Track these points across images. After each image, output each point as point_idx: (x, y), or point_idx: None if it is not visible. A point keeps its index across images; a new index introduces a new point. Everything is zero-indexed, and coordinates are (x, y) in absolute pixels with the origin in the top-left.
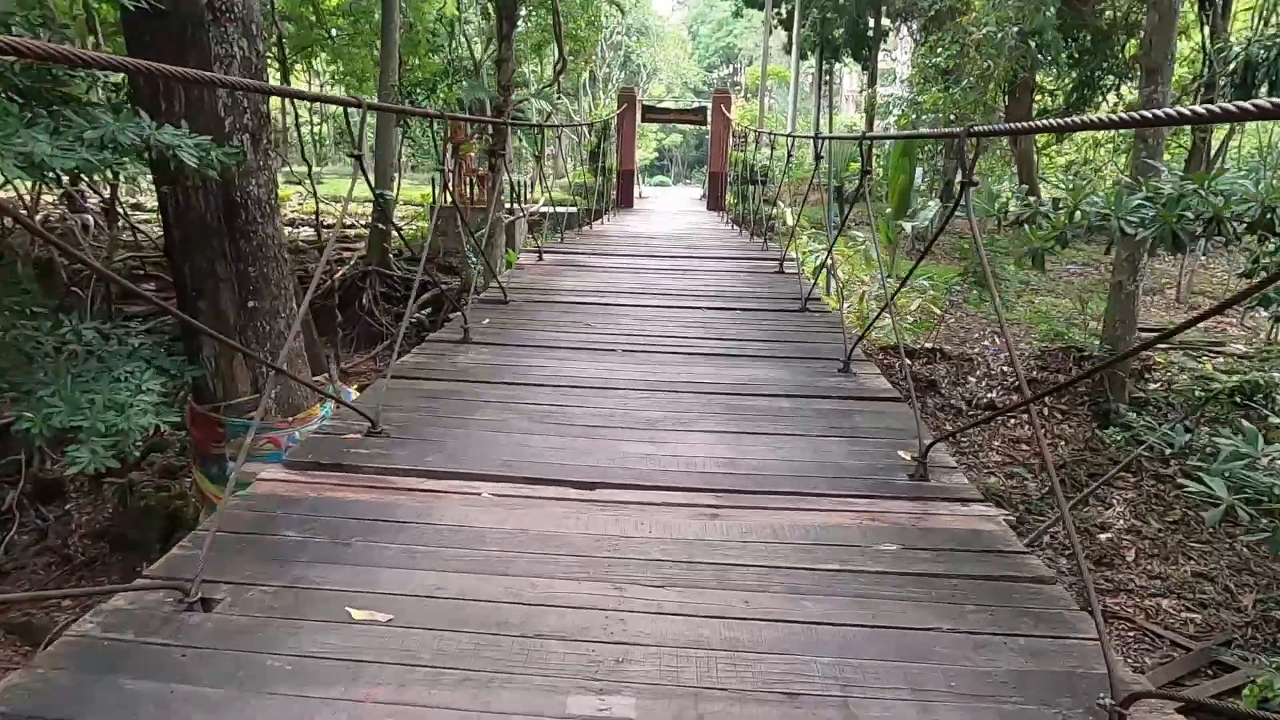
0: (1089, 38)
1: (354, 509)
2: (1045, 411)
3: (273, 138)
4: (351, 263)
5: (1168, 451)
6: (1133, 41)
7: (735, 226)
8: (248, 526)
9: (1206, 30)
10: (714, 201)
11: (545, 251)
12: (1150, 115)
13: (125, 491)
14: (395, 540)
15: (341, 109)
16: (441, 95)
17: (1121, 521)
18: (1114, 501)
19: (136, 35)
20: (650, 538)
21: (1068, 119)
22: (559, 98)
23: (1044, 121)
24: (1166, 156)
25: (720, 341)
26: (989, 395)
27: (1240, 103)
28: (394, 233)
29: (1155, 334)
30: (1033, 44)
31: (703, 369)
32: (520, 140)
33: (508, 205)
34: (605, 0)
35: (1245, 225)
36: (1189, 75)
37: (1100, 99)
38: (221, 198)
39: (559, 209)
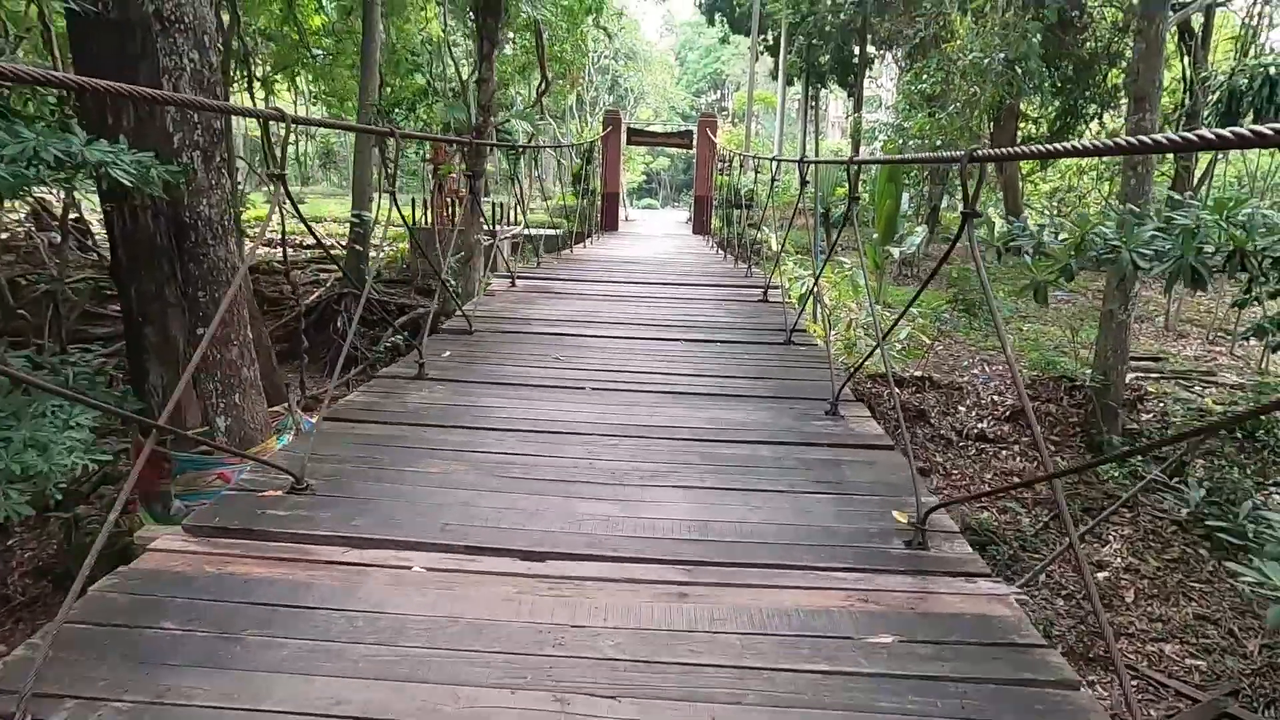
0: (1071, 67)
1: (257, 589)
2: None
3: (230, 155)
4: (328, 284)
5: (1184, 512)
6: (1114, 71)
7: (720, 251)
8: (118, 615)
9: (1187, 60)
10: (699, 225)
11: (519, 276)
12: (1153, 141)
13: (71, 527)
14: (299, 633)
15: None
16: (422, 116)
17: (1119, 559)
18: (1110, 537)
19: (84, 46)
20: (604, 628)
21: (1075, 144)
22: (542, 119)
23: (1048, 146)
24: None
25: (699, 378)
26: (979, 425)
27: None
28: (372, 254)
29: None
30: (1019, 70)
31: (678, 410)
32: (501, 162)
33: (487, 227)
34: (592, 25)
35: (1272, 260)
36: (1170, 104)
37: (1083, 127)
38: (171, 218)
39: (542, 231)
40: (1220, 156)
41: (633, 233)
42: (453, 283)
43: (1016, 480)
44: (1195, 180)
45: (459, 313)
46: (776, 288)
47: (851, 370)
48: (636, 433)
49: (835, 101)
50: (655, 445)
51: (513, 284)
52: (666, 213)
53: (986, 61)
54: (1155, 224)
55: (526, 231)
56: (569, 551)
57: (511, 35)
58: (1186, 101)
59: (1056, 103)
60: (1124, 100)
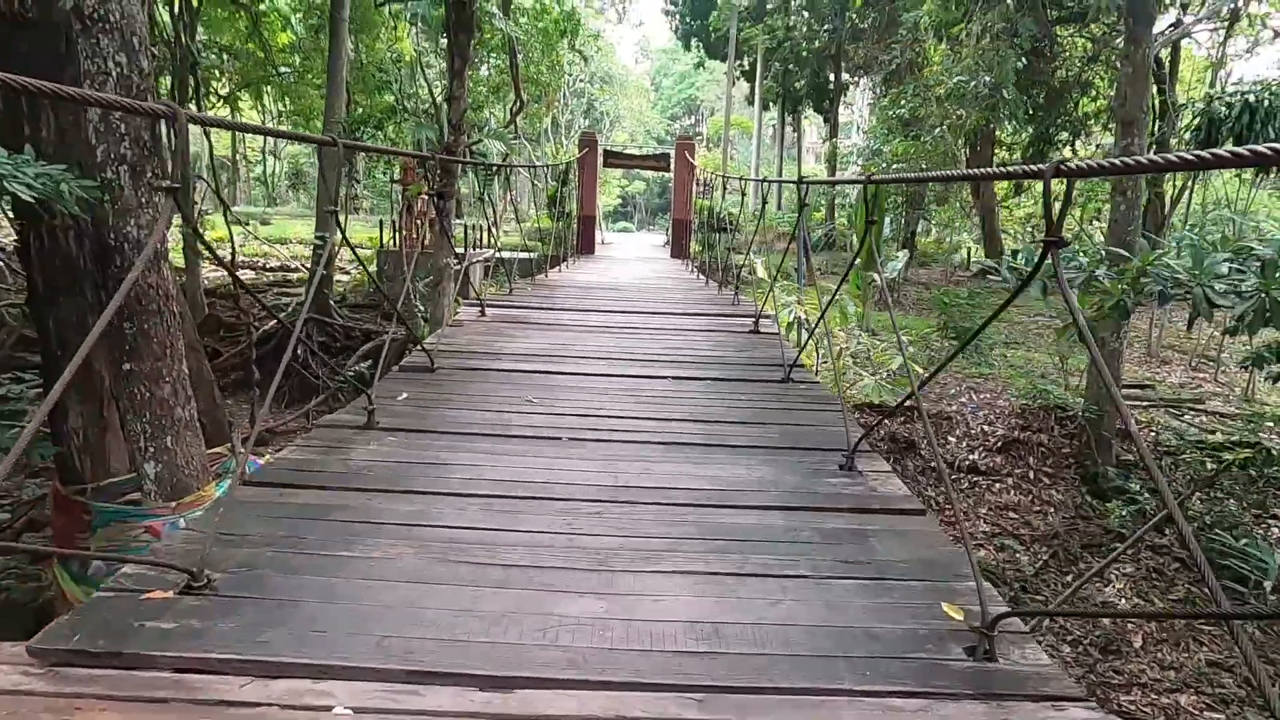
0: (1042, 95)
1: None
2: (1031, 476)
3: (183, 173)
4: (289, 309)
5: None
6: (1085, 99)
7: (701, 276)
8: None
9: (1154, 88)
10: (678, 249)
11: (490, 304)
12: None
13: None
14: None
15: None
16: (390, 135)
17: (1124, 601)
18: (1112, 575)
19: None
20: None
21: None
22: (516, 139)
23: (1146, 158)
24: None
25: (691, 424)
26: (970, 457)
27: None
28: (335, 278)
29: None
30: (1005, 94)
31: (670, 466)
32: (475, 183)
33: (459, 250)
34: (568, 47)
35: None
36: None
37: (1056, 152)
38: (95, 240)
39: (517, 254)
40: (1196, 185)
41: (609, 256)
42: (421, 308)
43: (1013, 516)
44: (1167, 208)
45: (421, 347)
46: (768, 317)
47: (871, 425)
48: (623, 496)
49: (810, 127)
50: (646, 513)
51: (482, 313)
52: (643, 236)
53: (972, 85)
54: (1227, 255)
55: (500, 255)
56: (544, 676)
57: (487, 55)
58: (1157, 128)
59: (1030, 129)
60: (1095, 128)
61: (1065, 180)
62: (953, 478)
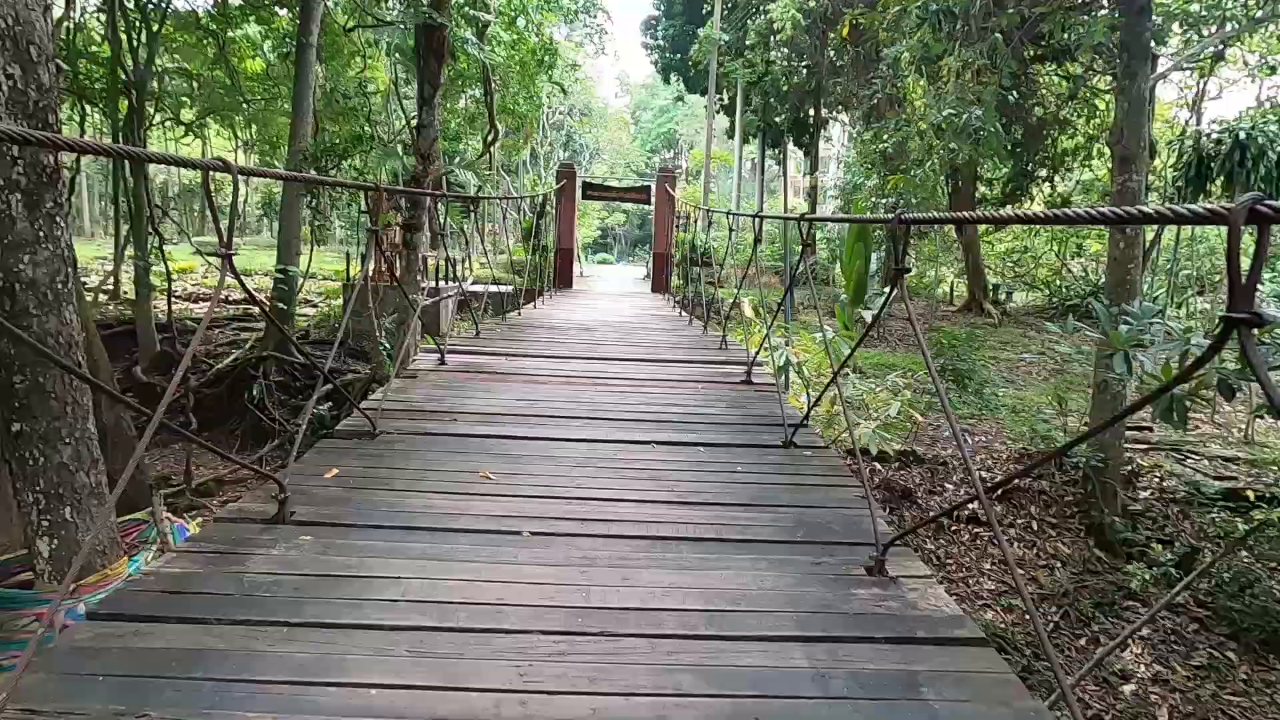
0: (1021, 132)
1: None
2: (1034, 526)
3: (138, 203)
4: (248, 345)
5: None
6: (1063, 137)
7: (682, 312)
8: None
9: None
10: (658, 283)
11: (451, 350)
12: None
13: None
14: None
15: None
16: (356, 165)
17: (1143, 667)
18: (1128, 639)
19: None
20: None
21: None
22: (490, 172)
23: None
24: (1096, 247)
25: (681, 508)
26: (970, 506)
27: None
28: (296, 313)
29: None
30: (993, 129)
31: (657, 574)
32: (448, 214)
33: (431, 284)
34: (547, 80)
35: None
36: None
37: (1035, 189)
38: None
39: (493, 287)
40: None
41: (588, 290)
42: (386, 345)
43: (1018, 571)
44: (1147, 244)
45: (359, 410)
46: (761, 365)
47: (910, 528)
48: (596, 624)
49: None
50: (626, 654)
51: (441, 361)
52: (622, 268)
53: (964, 118)
54: None
55: (473, 289)
56: None
57: (463, 86)
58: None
59: (1009, 166)
60: (1074, 164)
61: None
62: (953, 529)
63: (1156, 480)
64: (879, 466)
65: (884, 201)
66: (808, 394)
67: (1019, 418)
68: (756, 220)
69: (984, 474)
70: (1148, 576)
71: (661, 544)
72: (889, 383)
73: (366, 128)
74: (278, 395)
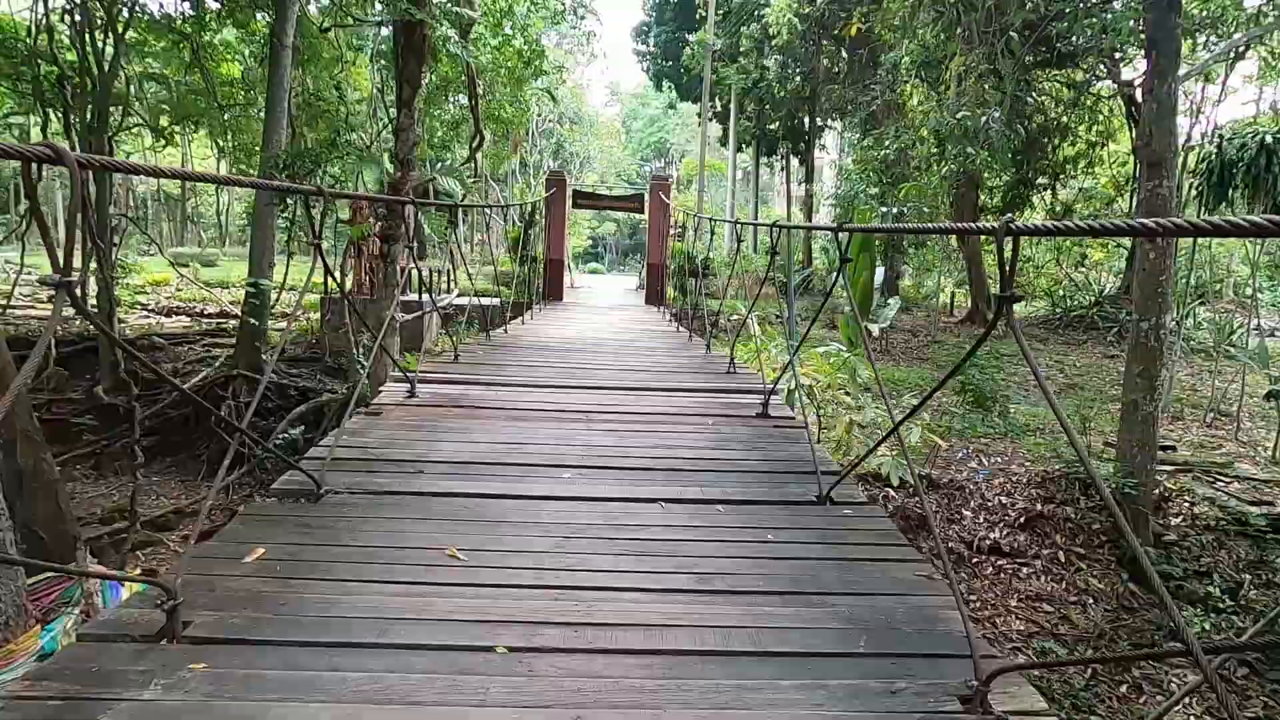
0: (1021, 140)
1: None
2: (1061, 557)
3: (88, 210)
4: (219, 363)
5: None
6: (1064, 144)
7: (680, 327)
8: None
9: (1135, 133)
10: (652, 295)
11: (424, 379)
12: None
13: None
14: None
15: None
16: (333, 172)
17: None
18: (1173, 687)
19: None
20: None
21: None
22: (475, 180)
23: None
24: (1098, 255)
25: (707, 605)
26: (991, 535)
27: None
28: (274, 328)
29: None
30: (1019, 128)
31: (681, 716)
32: (433, 224)
33: (415, 297)
34: (532, 78)
35: None
36: (1116, 177)
37: (1036, 197)
38: None
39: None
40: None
41: (579, 303)
42: (364, 364)
43: (1048, 609)
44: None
45: (299, 468)
46: (778, 394)
47: (1023, 665)
48: None
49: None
50: None
51: (410, 393)
52: (614, 278)
53: (982, 120)
54: None
55: (460, 301)
56: None
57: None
58: (1138, 172)
59: (1009, 173)
60: (1074, 172)
61: None
62: (974, 560)
63: (1187, 505)
64: (892, 493)
65: (891, 210)
66: (816, 413)
67: (1036, 435)
68: (773, 231)
69: (1003, 499)
70: (1206, 625)
71: (682, 664)
72: (904, 402)
73: (345, 132)
74: (249, 419)
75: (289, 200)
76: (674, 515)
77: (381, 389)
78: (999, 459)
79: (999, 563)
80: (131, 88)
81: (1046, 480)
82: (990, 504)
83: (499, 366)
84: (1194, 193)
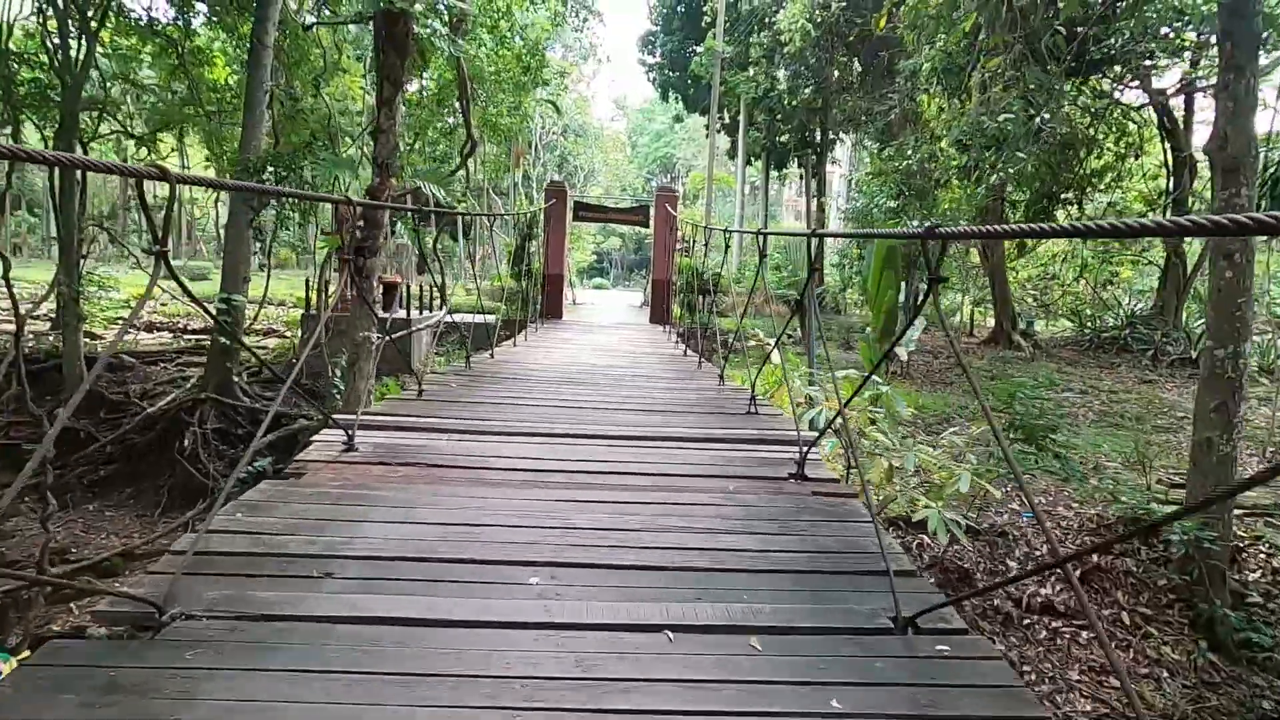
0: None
1: None
2: (1126, 620)
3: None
4: (190, 384)
5: None
6: (1090, 157)
7: (688, 351)
8: None
9: (1168, 144)
10: (657, 313)
11: (378, 422)
12: None
13: None
14: None
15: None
16: (307, 177)
17: None
18: None
19: None
20: None
21: None
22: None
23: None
24: (1126, 274)
25: None
26: (1041, 591)
27: None
28: (255, 346)
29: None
30: (1063, 131)
31: None
32: (403, 235)
33: (401, 314)
34: (531, 84)
35: None
36: (1150, 190)
37: (1060, 210)
38: None
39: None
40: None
41: (580, 322)
42: (340, 387)
43: (1115, 683)
44: (1188, 269)
45: (183, 542)
46: (812, 443)
47: None
48: None
49: (790, 183)
50: None
51: (348, 445)
52: (618, 294)
53: (1035, 121)
54: None
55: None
56: None
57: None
58: (1171, 185)
59: (1035, 185)
60: (1100, 185)
61: None
62: (1025, 621)
63: (1263, 557)
64: (926, 540)
65: (913, 223)
66: (844, 455)
67: (1074, 471)
68: (810, 242)
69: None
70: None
71: None
72: (945, 440)
73: (323, 135)
74: (215, 445)
75: (257, 209)
76: (687, 658)
77: (313, 440)
78: (1042, 499)
79: (1053, 625)
80: (113, 90)
81: (1102, 526)
82: (1038, 553)
83: (471, 406)
84: (1262, 203)
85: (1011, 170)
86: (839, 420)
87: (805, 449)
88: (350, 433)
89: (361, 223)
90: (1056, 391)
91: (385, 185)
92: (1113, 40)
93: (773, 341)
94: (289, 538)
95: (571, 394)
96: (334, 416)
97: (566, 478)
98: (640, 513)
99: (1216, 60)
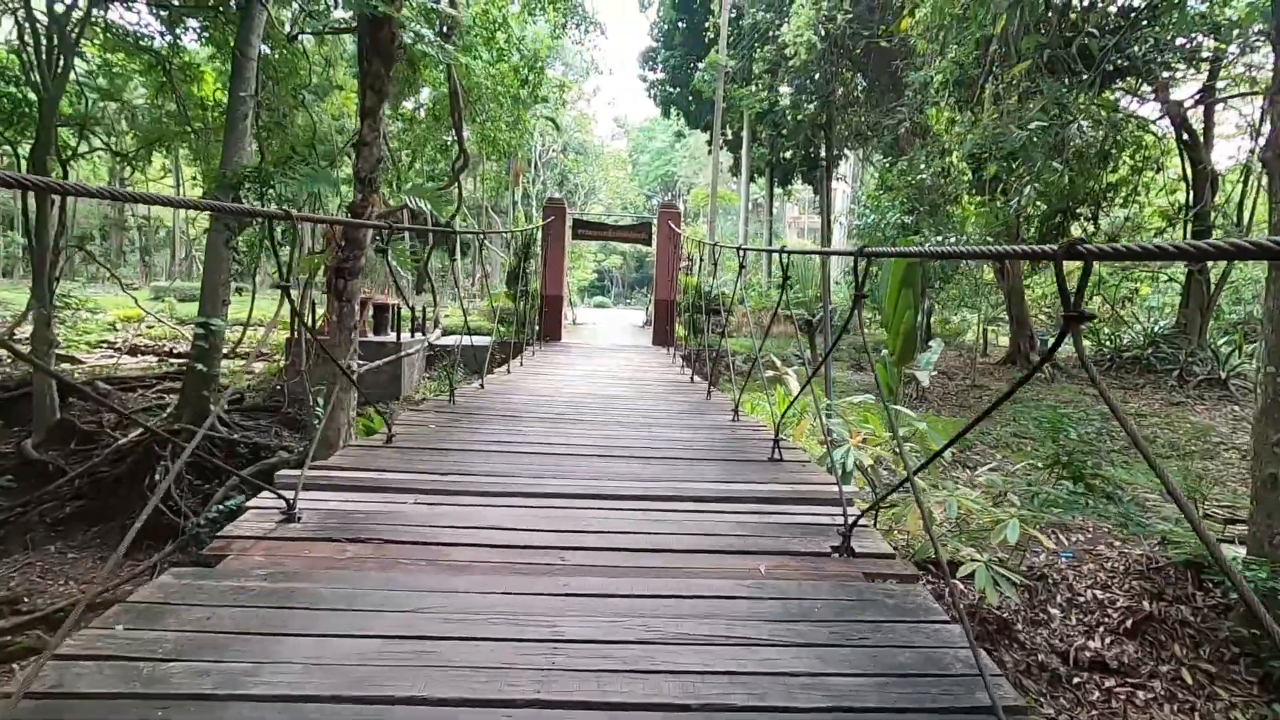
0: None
1: None
2: (1187, 677)
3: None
4: (166, 413)
5: None
6: (1105, 171)
7: (692, 376)
8: None
9: (1186, 159)
10: (660, 334)
11: (323, 482)
12: None
13: None
14: None
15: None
16: (290, 191)
17: None
18: None
19: None
20: None
21: None
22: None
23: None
24: (1145, 290)
25: None
26: (1089, 644)
27: None
28: (240, 370)
29: None
30: (1089, 142)
31: None
32: (394, 257)
33: (392, 337)
34: (530, 97)
35: None
36: (1166, 205)
37: (1076, 226)
38: None
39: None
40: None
41: (579, 343)
42: (321, 416)
43: None
44: (1212, 285)
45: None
46: (866, 511)
47: None
48: None
49: (792, 201)
50: None
51: (288, 514)
52: (619, 314)
53: (1070, 128)
54: None
55: (445, 341)
56: None
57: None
58: (1190, 200)
59: (1046, 202)
60: (1116, 200)
61: None
62: (1074, 680)
63: None
64: (962, 587)
65: (935, 239)
66: (876, 506)
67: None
68: (858, 262)
69: (1098, 593)
70: None
71: None
72: (983, 478)
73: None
74: (188, 479)
75: (233, 228)
76: None
77: (248, 506)
78: (1080, 537)
79: (1106, 684)
80: (107, 108)
81: (1150, 569)
82: (1083, 599)
83: (447, 455)
84: None
85: (1040, 184)
86: (908, 489)
87: (852, 519)
88: (291, 499)
89: (343, 242)
90: (1083, 413)
91: (369, 202)
92: (1135, 49)
93: (784, 365)
94: (175, 665)
95: (566, 437)
96: (280, 473)
97: (556, 558)
98: (649, 614)
99: (1242, 68)
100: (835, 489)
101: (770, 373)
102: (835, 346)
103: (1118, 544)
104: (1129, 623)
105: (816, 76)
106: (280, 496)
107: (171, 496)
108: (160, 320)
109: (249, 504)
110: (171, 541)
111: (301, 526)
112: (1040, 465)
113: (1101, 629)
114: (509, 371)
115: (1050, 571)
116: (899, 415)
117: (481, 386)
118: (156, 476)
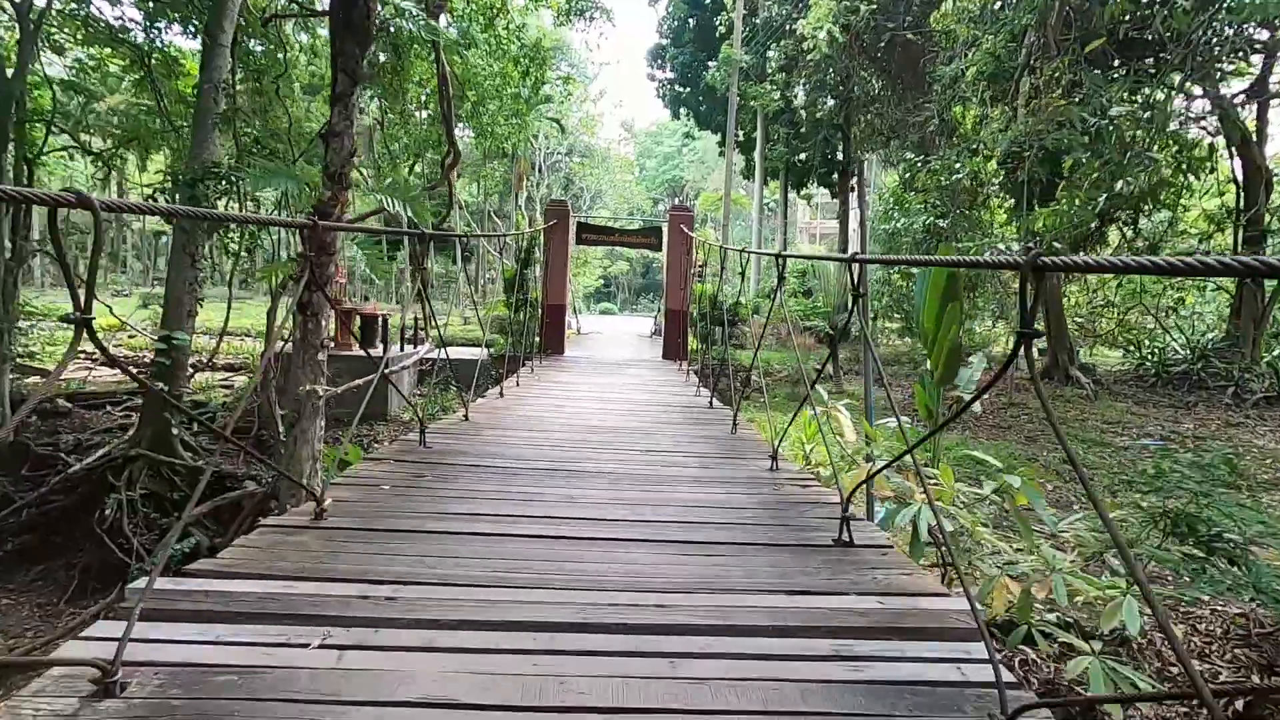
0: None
1: None
2: None
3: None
4: (126, 436)
5: None
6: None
7: (710, 400)
8: None
9: (1237, 160)
10: (671, 348)
11: (210, 594)
12: None
13: None
14: None
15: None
16: (247, 189)
17: None
18: None
19: None
20: None
21: None
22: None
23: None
24: (1190, 300)
25: None
26: None
27: None
28: (217, 384)
29: None
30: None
31: None
32: (366, 262)
33: (376, 352)
34: (532, 90)
35: None
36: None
37: (1114, 230)
38: None
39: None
40: None
41: (584, 359)
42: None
43: None
44: (1266, 298)
45: None
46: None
47: None
48: None
49: (803, 206)
50: None
51: (106, 688)
52: (625, 321)
53: (1145, 118)
54: None
55: (434, 355)
56: None
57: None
58: (1243, 202)
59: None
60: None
61: None
62: None
63: None
64: (1029, 652)
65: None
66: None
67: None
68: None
69: (1195, 664)
70: None
71: None
72: (1068, 531)
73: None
74: (144, 512)
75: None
76: None
77: (61, 643)
78: (1159, 587)
79: None
80: (52, 102)
81: (1255, 632)
82: (1175, 671)
83: (388, 544)
84: None
85: (1135, 180)
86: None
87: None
88: (120, 645)
89: (313, 252)
90: (1131, 435)
91: (339, 200)
92: (1192, 38)
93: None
94: None
95: (557, 493)
96: (130, 586)
97: (561, 685)
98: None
99: None
100: (946, 602)
101: (734, 352)
102: (854, 361)
103: (1206, 599)
104: (1238, 704)
105: (834, 73)
106: (94, 659)
107: (123, 533)
108: (140, 331)
109: (60, 647)
110: (121, 580)
111: (115, 708)
112: (1145, 519)
113: (1195, 702)
114: (501, 394)
115: (1127, 633)
116: (982, 464)
117: (466, 418)
118: (107, 511)
